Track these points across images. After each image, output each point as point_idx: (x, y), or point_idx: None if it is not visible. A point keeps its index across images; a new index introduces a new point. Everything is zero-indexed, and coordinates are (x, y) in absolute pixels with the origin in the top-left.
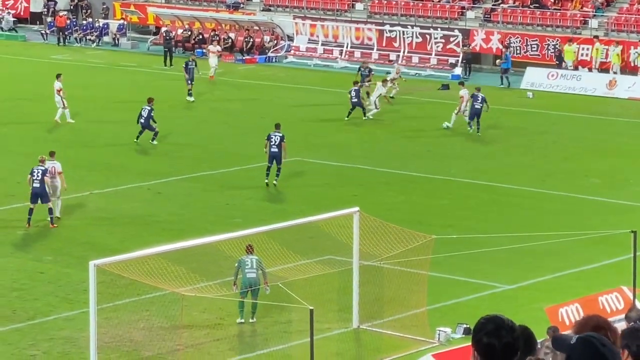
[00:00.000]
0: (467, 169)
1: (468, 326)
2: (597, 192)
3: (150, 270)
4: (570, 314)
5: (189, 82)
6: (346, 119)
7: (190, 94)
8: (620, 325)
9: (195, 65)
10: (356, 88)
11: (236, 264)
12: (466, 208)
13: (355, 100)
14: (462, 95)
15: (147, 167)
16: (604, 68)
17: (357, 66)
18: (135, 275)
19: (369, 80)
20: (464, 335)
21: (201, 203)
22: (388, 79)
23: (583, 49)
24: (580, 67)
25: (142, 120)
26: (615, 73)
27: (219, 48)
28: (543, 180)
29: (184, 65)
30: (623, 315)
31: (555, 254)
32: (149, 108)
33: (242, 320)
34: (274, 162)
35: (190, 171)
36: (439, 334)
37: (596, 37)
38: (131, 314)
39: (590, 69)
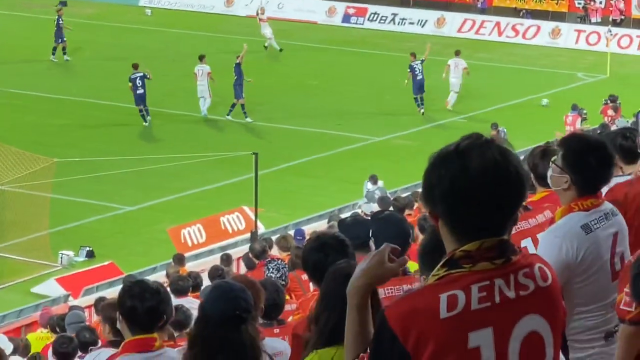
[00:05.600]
0: (87, 86)
1: (91, 249)
2: (222, 113)
3: None
4: (193, 234)
5: None
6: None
7: None
8: (243, 249)
9: None
10: None
11: None
12: (88, 128)
13: None
14: None
15: None
16: None
17: None
18: None
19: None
20: (86, 258)
21: None
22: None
23: None
24: None
25: None
26: None
27: None
28: (162, 100)
29: None
30: (246, 235)
31: (178, 175)
32: None
33: None
34: None
35: None
36: (61, 257)
37: None
38: None
39: None
